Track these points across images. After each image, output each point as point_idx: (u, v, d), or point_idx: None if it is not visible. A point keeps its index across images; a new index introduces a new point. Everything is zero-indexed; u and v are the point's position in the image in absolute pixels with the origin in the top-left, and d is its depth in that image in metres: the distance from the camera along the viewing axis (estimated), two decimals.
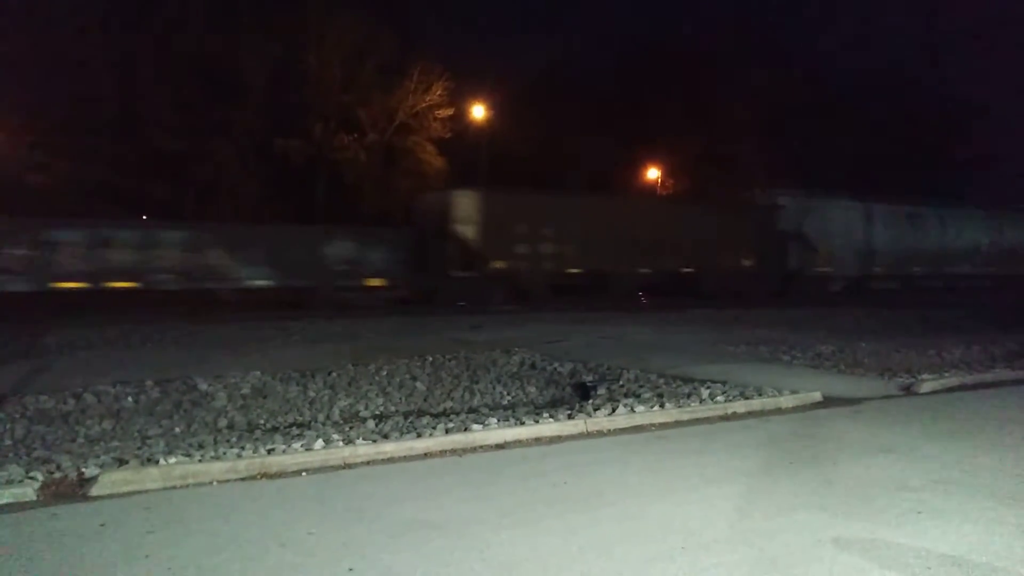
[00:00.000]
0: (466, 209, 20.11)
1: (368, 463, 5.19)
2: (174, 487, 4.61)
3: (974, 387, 8.50)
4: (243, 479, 4.80)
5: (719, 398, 7.28)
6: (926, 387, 8.27)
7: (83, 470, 4.84)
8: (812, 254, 25.02)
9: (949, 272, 28.58)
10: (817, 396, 7.60)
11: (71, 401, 7.32)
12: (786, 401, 7.34)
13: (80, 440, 6.27)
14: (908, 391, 8.20)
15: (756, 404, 7.16)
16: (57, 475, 4.77)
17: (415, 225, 21.43)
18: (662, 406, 6.89)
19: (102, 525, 3.96)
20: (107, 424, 6.78)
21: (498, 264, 20.28)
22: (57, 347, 10.74)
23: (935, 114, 40.55)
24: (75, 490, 4.54)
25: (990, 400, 7.78)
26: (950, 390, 8.29)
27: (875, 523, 4.07)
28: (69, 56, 23.79)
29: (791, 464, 5.24)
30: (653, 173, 36.63)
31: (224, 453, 5.30)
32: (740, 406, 7.04)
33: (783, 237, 24.58)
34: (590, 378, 8.81)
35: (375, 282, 18.88)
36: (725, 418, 6.76)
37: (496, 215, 20.25)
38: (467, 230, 19.98)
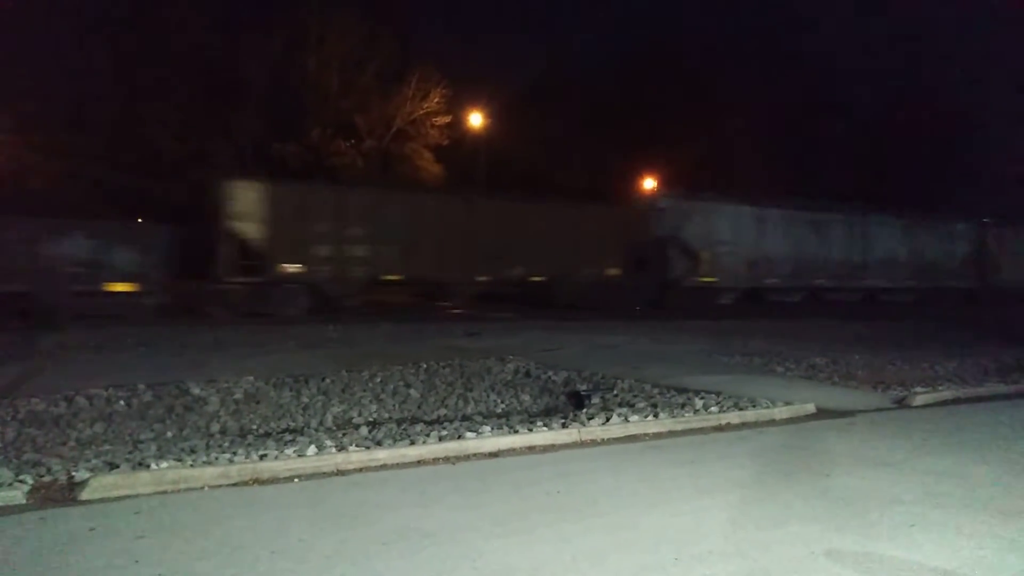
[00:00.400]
0: (248, 203, 17.50)
1: (361, 470, 5.17)
2: (165, 492, 4.58)
3: (968, 401, 8.52)
4: (235, 484, 4.77)
5: (713, 409, 7.28)
6: (920, 400, 8.28)
7: (73, 474, 4.81)
8: (693, 262, 22.48)
9: (861, 285, 26.15)
10: (811, 408, 7.60)
11: (63, 404, 7.28)
12: (780, 412, 7.34)
13: (71, 443, 6.24)
14: (902, 404, 8.21)
15: (750, 415, 7.16)
16: (47, 478, 4.74)
17: (186, 221, 18.36)
18: (656, 416, 6.89)
19: (91, 529, 3.93)
20: (99, 427, 6.75)
21: (290, 268, 17.75)
22: (49, 350, 10.68)
23: (934, 123, 40.83)
24: (65, 494, 4.51)
25: (984, 414, 7.79)
26: (944, 403, 8.30)
27: (868, 536, 4.07)
28: (68, 56, 23.80)
29: (785, 476, 5.24)
30: (650, 183, 36.74)
31: (216, 458, 5.28)
32: (734, 417, 7.04)
33: (660, 243, 22.18)
34: (584, 387, 8.81)
35: (122, 287, 16.32)
36: (719, 429, 6.76)
37: (287, 211, 17.74)
38: (249, 228, 17.40)
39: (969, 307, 25.08)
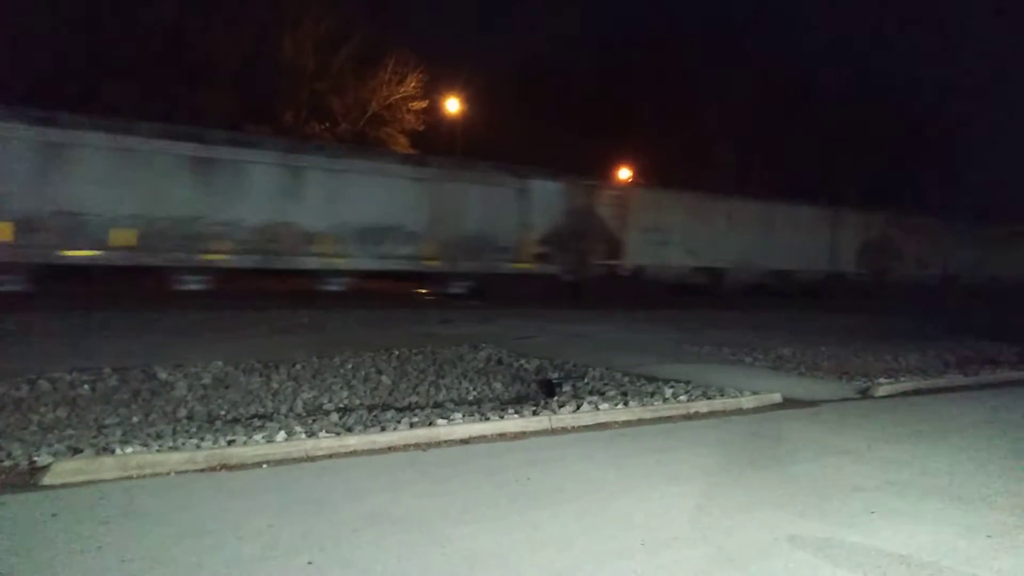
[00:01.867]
0: None
1: (331, 456, 5.15)
2: (130, 477, 4.52)
3: (929, 391, 8.75)
4: (202, 470, 4.72)
5: (682, 397, 7.38)
6: (882, 391, 8.48)
7: (35, 458, 4.72)
8: None
9: (320, 266, 16.67)
10: (777, 397, 7.74)
11: (24, 387, 7.11)
12: (747, 402, 7.46)
13: (33, 428, 6.10)
14: (865, 394, 8.40)
15: (718, 404, 7.27)
16: (7, 463, 4.64)
17: None
18: (626, 404, 6.96)
19: (54, 515, 3.86)
20: (62, 412, 6.61)
21: None
22: (12, 331, 10.43)
23: (906, 122, 41.55)
24: (26, 479, 4.43)
25: (944, 404, 8.01)
26: (905, 394, 8.52)
27: (829, 522, 4.17)
28: (33, 33, 23.09)
29: (750, 463, 5.34)
30: (625, 173, 36.92)
31: (183, 444, 5.21)
32: (702, 406, 7.14)
33: None
34: (556, 375, 8.86)
35: None
36: (687, 417, 6.85)
37: None
38: None
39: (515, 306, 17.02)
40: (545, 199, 19.74)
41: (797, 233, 25.06)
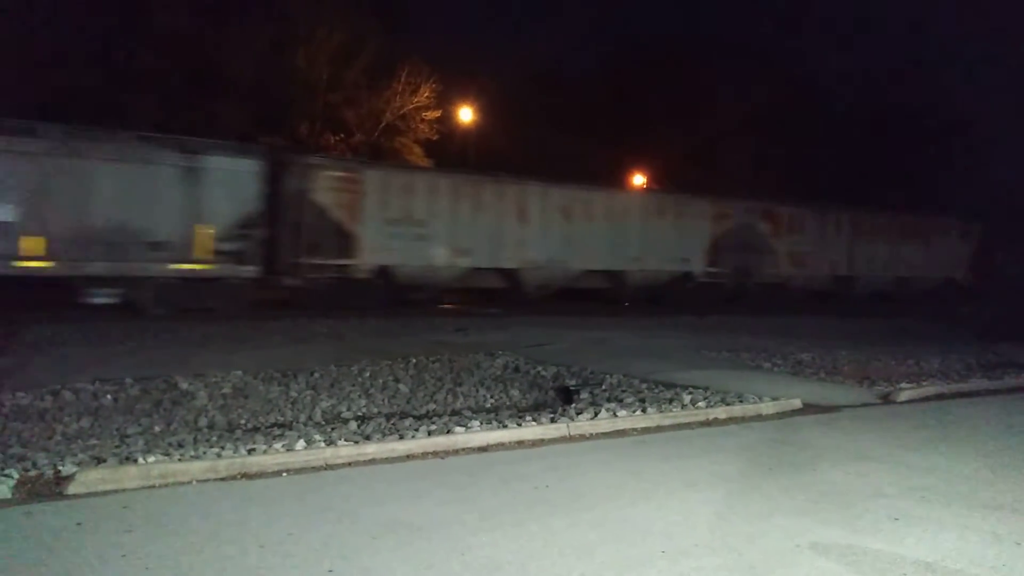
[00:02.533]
0: None
1: (350, 464, 5.18)
2: (153, 486, 4.57)
3: (952, 396, 8.63)
4: (223, 479, 4.76)
5: (701, 404, 7.33)
6: (904, 396, 8.38)
7: (60, 468, 4.77)
8: None
9: None
10: (797, 403, 7.67)
11: (48, 398, 7.22)
12: (767, 408, 7.40)
13: (57, 438, 6.18)
14: (886, 399, 8.30)
15: (737, 410, 7.22)
16: (33, 473, 4.71)
17: None
18: (644, 411, 6.93)
19: (78, 524, 3.91)
20: (85, 422, 6.69)
21: None
22: (35, 343, 10.58)
23: (916, 127, 41.16)
24: (51, 488, 4.48)
25: (967, 409, 7.89)
26: (927, 399, 8.41)
27: (852, 529, 4.12)
28: (49, 46, 23.48)
29: (771, 470, 5.29)
30: (639, 179, 36.86)
31: (204, 453, 5.26)
32: (721, 412, 7.10)
33: None
34: (573, 382, 8.83)
35: None
36: (706, 424, 6.81)
37: None
38: None
39: None
40: (230, 181, 15.18)
41: (624, 226, 20.66)
